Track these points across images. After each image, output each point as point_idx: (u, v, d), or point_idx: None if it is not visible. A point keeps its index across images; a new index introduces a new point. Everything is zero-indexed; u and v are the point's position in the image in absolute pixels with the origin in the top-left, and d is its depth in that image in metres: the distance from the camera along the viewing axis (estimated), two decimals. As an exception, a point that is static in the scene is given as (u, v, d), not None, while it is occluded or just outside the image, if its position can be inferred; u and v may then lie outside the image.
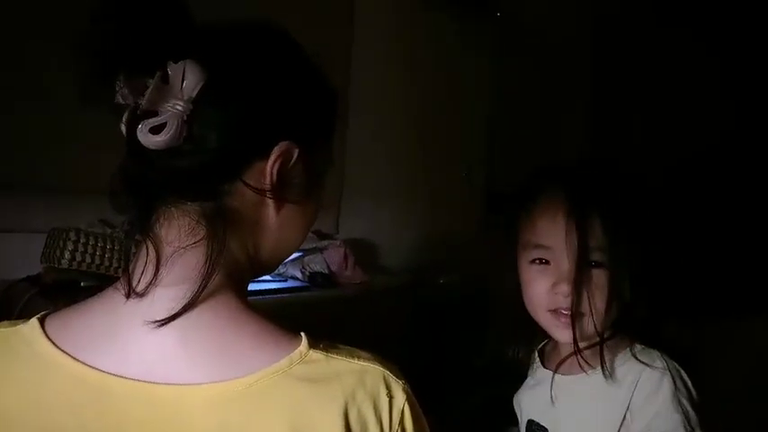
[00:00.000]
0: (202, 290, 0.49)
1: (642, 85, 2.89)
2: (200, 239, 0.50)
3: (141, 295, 0.49)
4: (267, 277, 1.89)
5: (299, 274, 1.86)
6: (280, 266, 1.89)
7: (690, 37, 2.70)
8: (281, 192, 0.54)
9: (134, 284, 0.50)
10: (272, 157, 0.52)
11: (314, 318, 1.73)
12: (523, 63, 2.84)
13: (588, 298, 0.73)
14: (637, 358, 0.75)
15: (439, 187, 2.50)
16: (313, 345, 0.51)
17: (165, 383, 0.47)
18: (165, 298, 0.49)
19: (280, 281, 1.86)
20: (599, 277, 0.74)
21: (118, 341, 0.49)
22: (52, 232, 1.35)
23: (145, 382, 0.47)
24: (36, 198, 1.50)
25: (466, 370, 1.93)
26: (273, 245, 0.58)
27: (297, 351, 0.50)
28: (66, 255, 1.30)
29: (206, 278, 0.49)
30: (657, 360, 0.74)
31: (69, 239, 1.30)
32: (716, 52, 2.63)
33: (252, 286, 1.98)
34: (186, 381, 0.47)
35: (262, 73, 0.53)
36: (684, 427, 0.69)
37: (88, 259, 1.32)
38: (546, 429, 0.83)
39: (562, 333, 0.77)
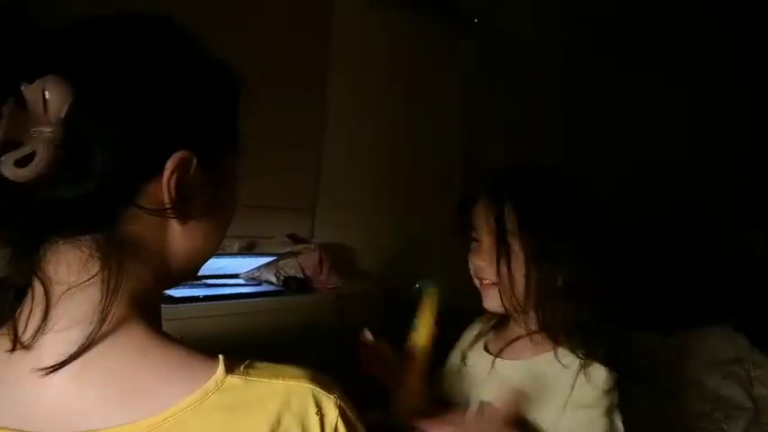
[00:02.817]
0: (97, 332, 0.44)
1: (617, 95, 2.94)
2: (95, 275, 0.45)
3: (28, 347, 0.44)
4: (240, 281, 1.87)
5: (273, 279, 1.85)
6: (254, 271, 1.88)
7: (663, 43, 2.77)
8: (183, 208, 0.49)
9: (20, 333, 0.45)
10: (167, 172, 0.46)
11: (288, 323, 1.73)
12: (500, 71, 2.88)
13: (500, 271, 0.87)
14: (558, 361, 0.85)
15: (414, 193, 2.51)
16: (231, 369, 0.46)
17: None
18: (57, 342, 0.44)
19: (254, 285, 1.85)
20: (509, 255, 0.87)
21: (11, 392, 0.45)
22: None
23: None
24: None
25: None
26: (184, 261, 0.53)
27: (212, 379, 0.45)
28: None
29: (102, 319, 0.44)
30: (575, 364, 0.84)
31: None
32: (688, 59, 2.70)
33: (224, 290, 1.95)
34: (87, 427, 0.43)
35: (141, 76, 0.47)
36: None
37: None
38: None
39: (485, 300, 0.92)
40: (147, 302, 0.49)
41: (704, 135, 2.65)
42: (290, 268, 1.88)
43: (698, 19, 2.65)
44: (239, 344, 1.57)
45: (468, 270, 0.97)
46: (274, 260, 1.90)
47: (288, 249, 1.96)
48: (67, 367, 0.43)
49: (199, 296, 1.54)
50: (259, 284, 1.86)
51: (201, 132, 0.50)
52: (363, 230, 2.33)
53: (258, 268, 1.89)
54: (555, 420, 0.83)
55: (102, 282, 0.45)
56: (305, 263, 1.90)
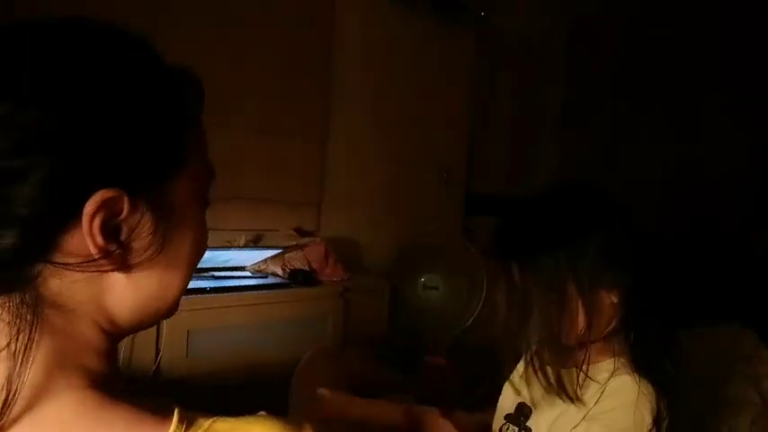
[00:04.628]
0: (7, 413, 0.36)
1: (616, 90, 2.93)
2: (5, 347, 0.37)
3: None
4: (247, 273, 1.88)
5: (279, 272, 1.86)
6: (261, 263, 1.89)
7: (666, 42, 2.75)
8: (121, 256, 0.41)
9: None
10: (86, 218, 0.38)
11: (293, 315, 1.73)
12: (505, 65, 2.86)
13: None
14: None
15: (420, 187, 2.51)
16: None
17: None
18: None
19: (260, 277, 1.86)
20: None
21: None
22: None
23: None
24: None
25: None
26: (135, 313, 0.44)
27: None
28: None
29: (8, 400, 0.36)
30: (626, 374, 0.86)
31: None
32: (690, 59, 2.68)
33: (231, 282, 1.95)
34: None
35: (45, 98, 0.37)
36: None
37: None
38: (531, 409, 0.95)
39: None
40: (95, 363, 0.41)
41: (705, 135, 2.64)
42: (297, 261, 1.88)
43: (695, 18, 2.63)
44: (246, 336, 1.58)
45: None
46: (280, 253, 1.90)
47: (294, 242, 1.97)
48: None
49: (206, 288, 1.55)
50: (265, 277, 1.87)
51: (134, 163, 0.41)
52: (369, 224, 2.34)
53: (264, 261, 1.89)
54: None
55: (14, 354, 0.37)
56: (311, 256, 1.91)
